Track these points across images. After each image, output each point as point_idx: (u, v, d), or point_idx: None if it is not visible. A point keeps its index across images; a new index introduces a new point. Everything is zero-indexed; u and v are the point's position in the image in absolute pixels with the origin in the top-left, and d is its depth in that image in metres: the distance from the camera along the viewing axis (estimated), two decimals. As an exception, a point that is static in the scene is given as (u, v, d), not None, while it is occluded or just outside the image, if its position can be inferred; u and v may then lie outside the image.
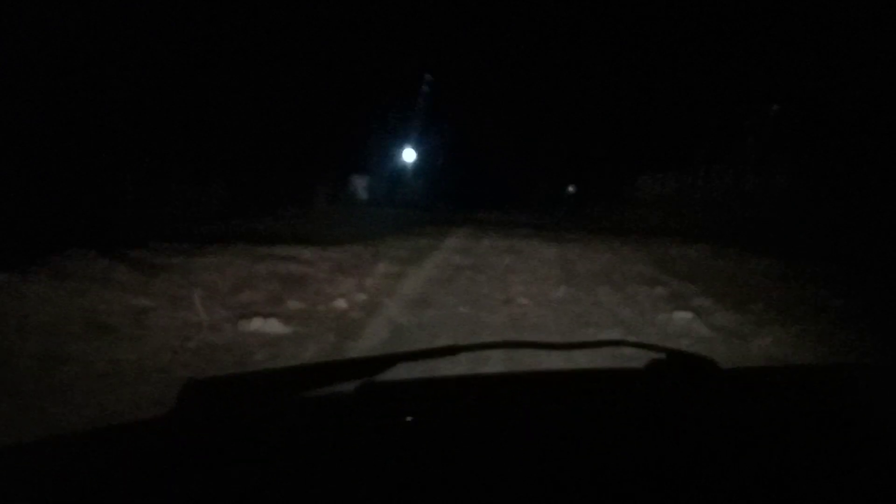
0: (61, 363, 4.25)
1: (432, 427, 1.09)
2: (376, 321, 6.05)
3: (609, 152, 39.27)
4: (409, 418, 1.08)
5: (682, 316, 6.61)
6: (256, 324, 5.49)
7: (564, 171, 48.67)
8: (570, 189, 50.81)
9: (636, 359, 1.34)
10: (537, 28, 40.86)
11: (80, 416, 3.44)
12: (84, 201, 14.31)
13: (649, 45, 31.34)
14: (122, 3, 18.24)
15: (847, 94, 20.41)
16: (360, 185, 55.56)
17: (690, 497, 0.91)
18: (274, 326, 5.51)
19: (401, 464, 0.95)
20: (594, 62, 36.77)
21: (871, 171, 19.01)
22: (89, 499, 0.85)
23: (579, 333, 5.90)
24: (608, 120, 37.66)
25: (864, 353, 5.44)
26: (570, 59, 38.84)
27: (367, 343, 5.28)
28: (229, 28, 26.29)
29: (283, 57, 31.81)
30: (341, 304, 6.58)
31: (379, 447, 0.99)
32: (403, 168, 51.44)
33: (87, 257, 7.33)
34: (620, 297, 7.84)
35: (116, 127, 19.47)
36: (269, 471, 0.90)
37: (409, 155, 50.46)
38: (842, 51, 20.95)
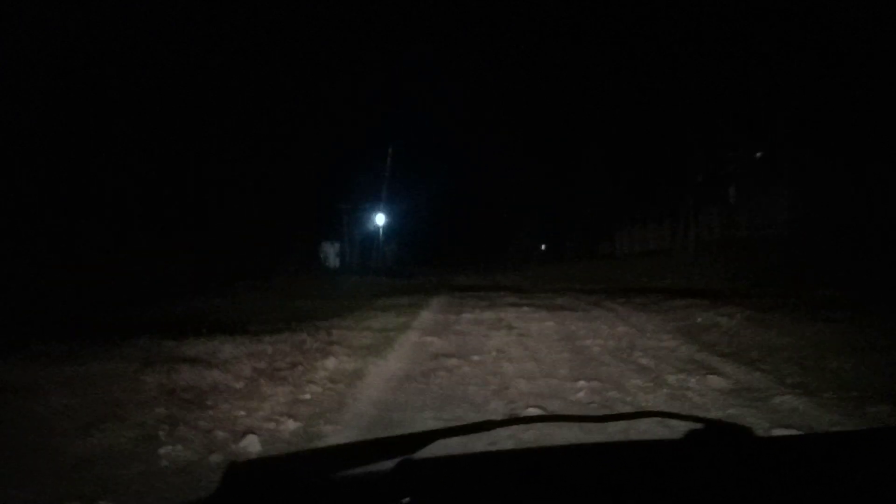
0: None
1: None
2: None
3: (582, 209, 37.47)
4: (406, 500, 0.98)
5: (784, 434, 4.16)
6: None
7: (537, 230, 46.82)
8: (543, 247, 48.96)
9: (675, 429, 1.34)
10: (505, 84, 39.40)
11: None
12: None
13: (613, 94, 29.77)
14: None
15: (836, 133, 18.77)
16: (330, 252, 53.29)
17: None
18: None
19: None
20: (559, 119, 35.19)
21: (865, 203, 17.17)
22: None
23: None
24: (579, 176, 35.92)
25: None
26: (535, 118, 37.29)
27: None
28: (200, 97, 24.56)
29: (249, 125, 30.08)
30: (251, 446, 4.01)
31: None
32: (375, 233, 49.24)
33: None
34: (666, 396, 5.39)
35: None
36: None
37: (379, 219, 48.34)
38: (823, 87, 19.37)
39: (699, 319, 9.34)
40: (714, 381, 5.83)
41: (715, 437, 1.26)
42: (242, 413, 4.68)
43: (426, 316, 10.43)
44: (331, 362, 6.41)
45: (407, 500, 0.97)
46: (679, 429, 1.28)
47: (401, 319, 9.66)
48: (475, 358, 7.06)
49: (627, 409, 5.05)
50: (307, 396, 5.22)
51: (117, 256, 17.97)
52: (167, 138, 23.67)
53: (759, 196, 21.27)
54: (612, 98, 30.06)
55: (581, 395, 5.46)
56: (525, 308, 11.48)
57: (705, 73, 22.68)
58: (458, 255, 48.91)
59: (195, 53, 24.68)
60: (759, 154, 23.05)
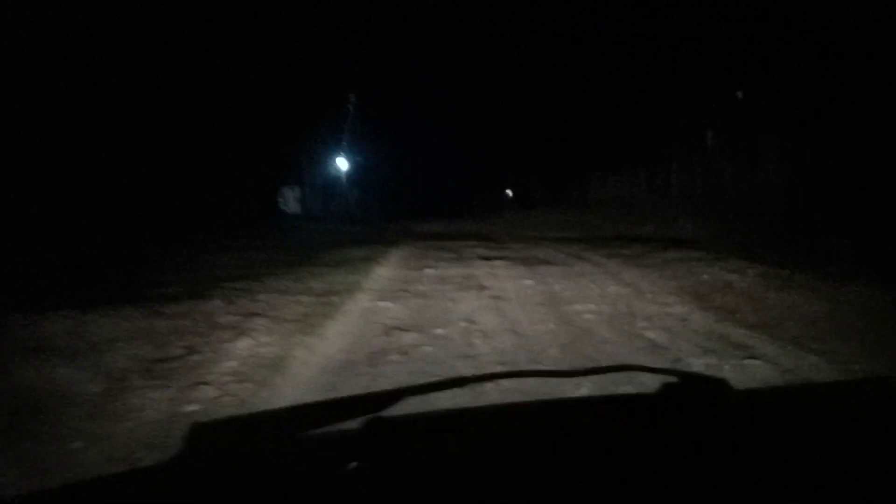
0: None
1: (443, 462, 1.02)
2: None
3: (554, 152, 35.77)
4: (353, 464, 0.92)
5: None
6: None
7: (505, 177, 45.13)
8: (508, 193, 47.37)
9: (650, 384, 1.27)
10: (474, 25, 37.01)
11: None
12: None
13: (589, 31, 27.81)
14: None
15: (819, 79, 17.32)
16: (290, 197, 51.00)
17: None
18: None
19: (411, 501, 0.90)
20: (533, 58, 33.11)
21: (849, 153, 15.87)
22: None
23: None
24: (551, 117, 34.07)
25: None
26: (508, 58, 35.11)
27: None
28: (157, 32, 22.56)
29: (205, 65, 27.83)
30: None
31: (388, 484, 0.92)
32: (337, 178, 47.07)
33: None
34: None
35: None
36: None
37: (342, 164, 46.13)
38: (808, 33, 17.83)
39: (705, 276, 7.83)
40: (757, 368, 4.31)
41: (692, 390, 1.22)
42: (77, 445, 3.00)
43: (382, 273, 8.73)
44: (244, 344, 4.72)
45: (354, 464, 0.92)
46: (655, 382, 1.23)
47: (351, 277, 7.97)
48: (439, 332, 5.45)
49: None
50: (192, 408, 3.54)
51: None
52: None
53: (743, 141, 19.75)
54: (584, 42, 28.11)
55: (583, 392, 3.90)
56: (498, 262, 9.87)
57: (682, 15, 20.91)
58: (425, 203, 47.10)
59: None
60: (739, 94, 21.49)
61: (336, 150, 45.57)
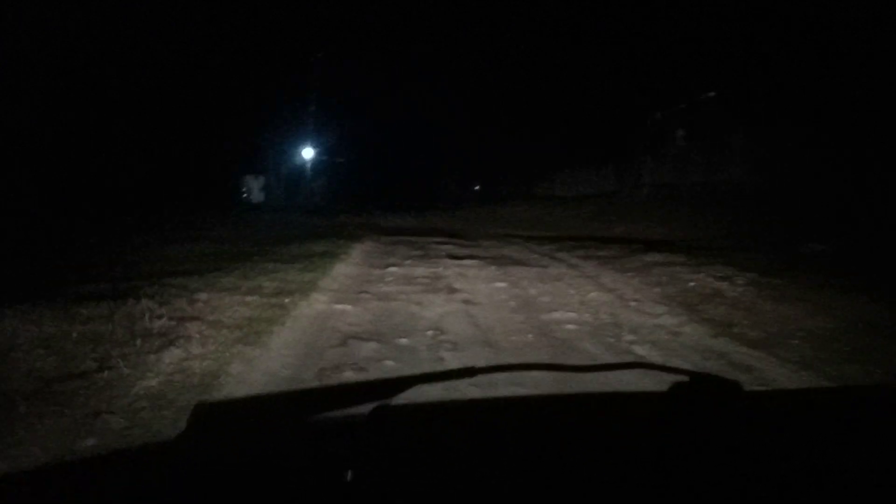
0: None
1: (447, 452, 1.01)
2: None
3: (523, 146, 35.26)
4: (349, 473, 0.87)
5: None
6: None
7: (472, 170, 44.55)
8: (476, 188, 46.79)
9: (658, 382, 1.24)
10: (445, 9, 36.22)
11: None
12: None
13: (564, 26, 27.29)
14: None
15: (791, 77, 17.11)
16: (255, 186, 49.64)
17: None
18: None
19: (415, 489, 0.88)
20: (505, 49, 32.50)
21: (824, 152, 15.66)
22: None
23: None
24: (521, 109, 33.51)
25: None
26: (480, 50, 34.44)
27: None
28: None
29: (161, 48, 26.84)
30: None
31: (392, 472, 0.92)
32: (302, 167, 45.91)
33: None
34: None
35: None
36: (280, 498, 0.85)
37: (307, 153, 44.99)
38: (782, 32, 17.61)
39: (691, 283, 7.26)
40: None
41: (702, 390, 1.18)
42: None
43: (341, 270, 7.97)
44: (171, 357, 3.95)
45: (349, 473, 0.87)
46: (663, 381, 1.20)
47: (308, 275, 7.19)
48: (403, 342, 4.75)
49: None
50: (89, 443, 2.80)
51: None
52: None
53: (713, 139, 19.42)
54: (557, 35, 27.60)
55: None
56: (467, 261, 9.19)
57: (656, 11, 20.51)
58: (391, 194, 46.22)
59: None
60: (712, 94, 21.18)
61: (301, 138, 44.43)
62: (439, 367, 4.17)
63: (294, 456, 0.95)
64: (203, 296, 5.59)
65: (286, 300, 5.78)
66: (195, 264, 7.47)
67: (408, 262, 9.00)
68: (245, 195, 48.81)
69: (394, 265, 8.58)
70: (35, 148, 19.26)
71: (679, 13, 20.68)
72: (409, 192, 46.59)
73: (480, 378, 1.31)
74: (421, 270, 8.19)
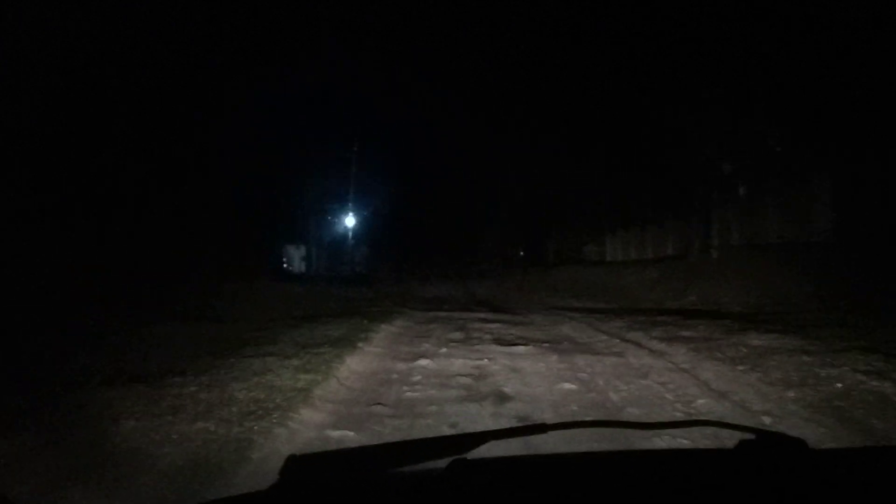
0: None
1: None
2: None
3: (567, 208, 33.35)
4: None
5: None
6: None
7: (516, 233, 42.71)
8: (521, 253, 44.89)
9: (725, 439, 1.27)
10: (479, 79, 35.15)
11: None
12: None
13: (603, 79, 25.66)
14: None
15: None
16: (295, 256, 48.68)
17: None
18: None
19: None
20: (538, 107, 30.98)
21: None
22: None
23: None
24: (564, 169, 31.69)
25: None
26: (515, 108, 33.08)
27: None
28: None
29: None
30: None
31: None
32: (344, 236, 44.72)
33: None
34: None
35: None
36: None
37: (349, 221, 43.86)
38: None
39: (838, 385, 5.09)
40: None
41: (769, 448, 1.20)
42: None
43: (355, 367, 5.99)
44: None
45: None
46: (730, 438, 1.24)
47: (302, 379, 5.19)
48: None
49: None
50: None
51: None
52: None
53: (791, 188, 17.10)
54: (603, 85, 25.95)
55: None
56: (519, 347, 7.15)
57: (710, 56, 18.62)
58: (433, 261, 44.70)
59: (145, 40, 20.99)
60: (778, 148, 18.87)
61: (343, 207, 43.41)
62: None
63: None
64: (130, 424, 3.71)
65: (256, 425, 3.84)
66: (163, 359, 5.63)
67: (443, 350, 7.02)
68: (286, 265, 47.89)
69: (425, 356, 6.59)
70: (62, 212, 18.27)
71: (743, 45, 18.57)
72: (451, 258, 44.99)
73: (552, 435, 1.29)
74: (460, 364, 6.18)
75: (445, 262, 42.62)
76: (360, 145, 39.60)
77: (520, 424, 3.73)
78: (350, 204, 41.88)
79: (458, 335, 8.18)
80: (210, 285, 14.72)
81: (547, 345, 7.43)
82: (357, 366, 5.99)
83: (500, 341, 7.58)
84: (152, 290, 12.40)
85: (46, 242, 15.64)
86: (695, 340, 7.46)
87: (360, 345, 6.95)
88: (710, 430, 2.54)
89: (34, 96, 16.22)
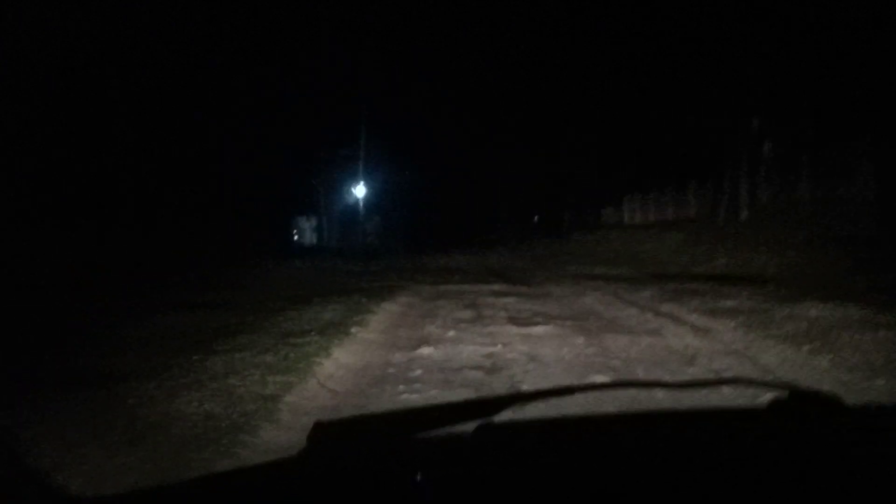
0: None
1: (552, 468, 0.98)
2: None
3: (582, 170, 32.09)
4: (418, 476, 0.92)
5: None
6: None
7: (530, 198, 41.42)
8: (535, 219, 43.71)
9: (759, 397, 1.21)
10: (502, 42, 33.61)
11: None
12: None
13: (623, 38, 24.17)
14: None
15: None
16: (306, 227, 47.82)
17: None
18: None
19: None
20: (557, 64, 29.56)
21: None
22: None
23: None
24: (582, 127, 30.35)
25: None
26: (533, 67, 31.65)
27: None
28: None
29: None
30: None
31: (498, 489, 0.92)
32: (355, 207, 43.59)
33: None
34: None
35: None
36: None
37: (359, 192, 42.75)
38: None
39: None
40: None
41: (803, 405, 1.15)
42: None
43: (343, 359, 4.99)
44: None
45: (419, 476, 0.91)
46: (763, 396, 1.21)
47: (273, 382, 4.20)
48: None
49: None
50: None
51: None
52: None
53: (828, 147, 15.78)
54: (611, 50, 24.45)
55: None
56: (538, 327, 6.15)
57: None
58: (446, 230, 43.68)
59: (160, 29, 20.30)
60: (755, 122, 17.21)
61: (354, 176, 42.26)
62: None
63: (403, 471, 0.95)
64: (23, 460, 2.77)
65: (193, 459, 2.89)
66: (114, 359, 4.70)
67: (450, 333, 6.03)
68: (297, 237, 47.00)
69: (428, 342, 5.60)
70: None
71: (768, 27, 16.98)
72: (464, 226, 43.96)
73: (579, 397, 1.30)
74: (469, 352, 5.19)
75: (459, 232, 41.62)
76: (374, 115, 38.22)
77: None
78: (362, 174, 40.63)
79: (468, 314, 7.18)
80: (215, 270, 13.89)
81: (570, 323, 6.43)
82: (346, 358, 5.02)
83: (515, 320, 6.59)
84: (154, 282, 11.54)
85: (49, 240, 14.95)
86: (741, 312, 6.42)
87: (353, 330, 5.96)
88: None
89: (37, 99, 15.67)
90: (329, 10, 32.99)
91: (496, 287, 9.95)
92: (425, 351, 5.24)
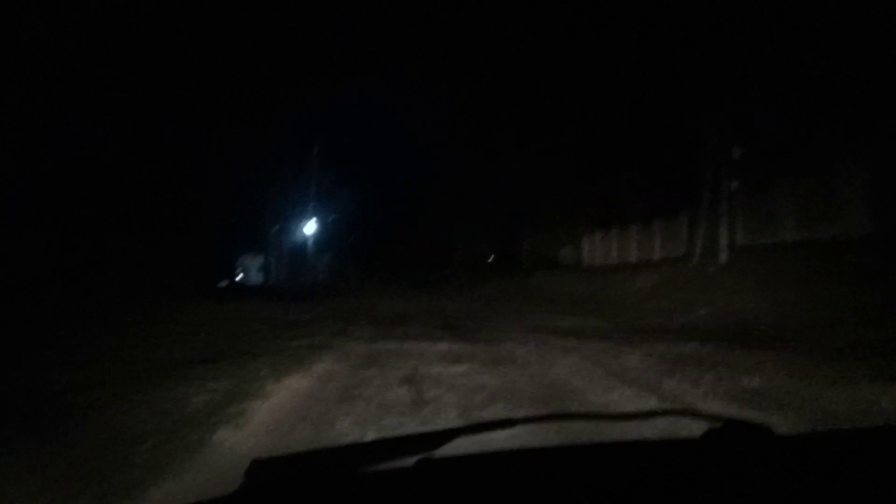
0: None
1: (494, 501, 0.98)
2: None
3: (540, 207, 30.65)
4: None
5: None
6: None
7: (487, 236, 39.89)
8: (491, 258, 42.14)
9: (692, 428, 1.18)
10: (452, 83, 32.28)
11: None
12: None
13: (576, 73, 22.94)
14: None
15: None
16: (251, 266, 45.19)
17: None
18: None
19: None
20: (518, 99, 28.27)
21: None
22: None
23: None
24: (534, 169, 29.00)
25: None
26: (491, 101, 30.32)
27: None
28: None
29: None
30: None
31: None
32: (304, 244, 41.30)
33: None
34: None
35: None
36: None
37: (308, 228, 40.53)
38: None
39: None
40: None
41: (733, 436, 1.16)
42: None
43: (181, 487, 3.01)
44: None
45: None
46: (697, 427, 1.19)
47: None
48: None
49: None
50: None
51: None
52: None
53: (809, 184, 14.33)
54: (582, 59, 23.17)
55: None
56: (502, 430, 4.25)
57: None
58: (401, 266, 41.76)
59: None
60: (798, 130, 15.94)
61: (305, 213, 40.05)
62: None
63: None
64: None
65: None
66: None
67: (370, 436, 4.02)
68: (241, 276, 44.27)
69: (357, 407, 3.58)
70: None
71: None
72: (420, 263, 42.10)
73: (521, 429, 1.26)
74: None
75: (414, 269, 39.74)
76: (323, 147, 36.39)
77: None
78: (312, 210, 38.55)
79: (403, 395, 5.15)
80: (147, 307, 11.67)
81: (545, 410, 4.48)
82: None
83: (468, 410, 4.58)
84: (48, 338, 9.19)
85: None
86: (778, 400, 4.57)
87: (217, 436, 3.87)
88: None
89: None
90: (274, 41, 31.24)
91: (446, 346, 7.97)
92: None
